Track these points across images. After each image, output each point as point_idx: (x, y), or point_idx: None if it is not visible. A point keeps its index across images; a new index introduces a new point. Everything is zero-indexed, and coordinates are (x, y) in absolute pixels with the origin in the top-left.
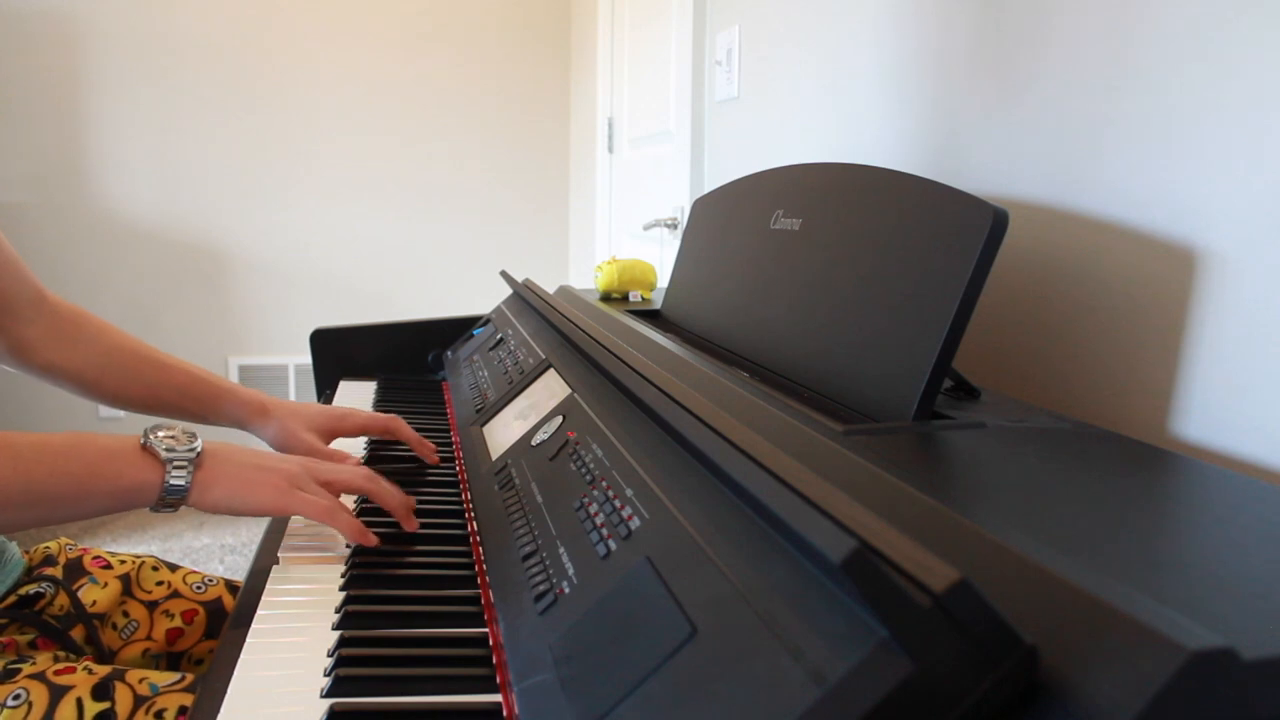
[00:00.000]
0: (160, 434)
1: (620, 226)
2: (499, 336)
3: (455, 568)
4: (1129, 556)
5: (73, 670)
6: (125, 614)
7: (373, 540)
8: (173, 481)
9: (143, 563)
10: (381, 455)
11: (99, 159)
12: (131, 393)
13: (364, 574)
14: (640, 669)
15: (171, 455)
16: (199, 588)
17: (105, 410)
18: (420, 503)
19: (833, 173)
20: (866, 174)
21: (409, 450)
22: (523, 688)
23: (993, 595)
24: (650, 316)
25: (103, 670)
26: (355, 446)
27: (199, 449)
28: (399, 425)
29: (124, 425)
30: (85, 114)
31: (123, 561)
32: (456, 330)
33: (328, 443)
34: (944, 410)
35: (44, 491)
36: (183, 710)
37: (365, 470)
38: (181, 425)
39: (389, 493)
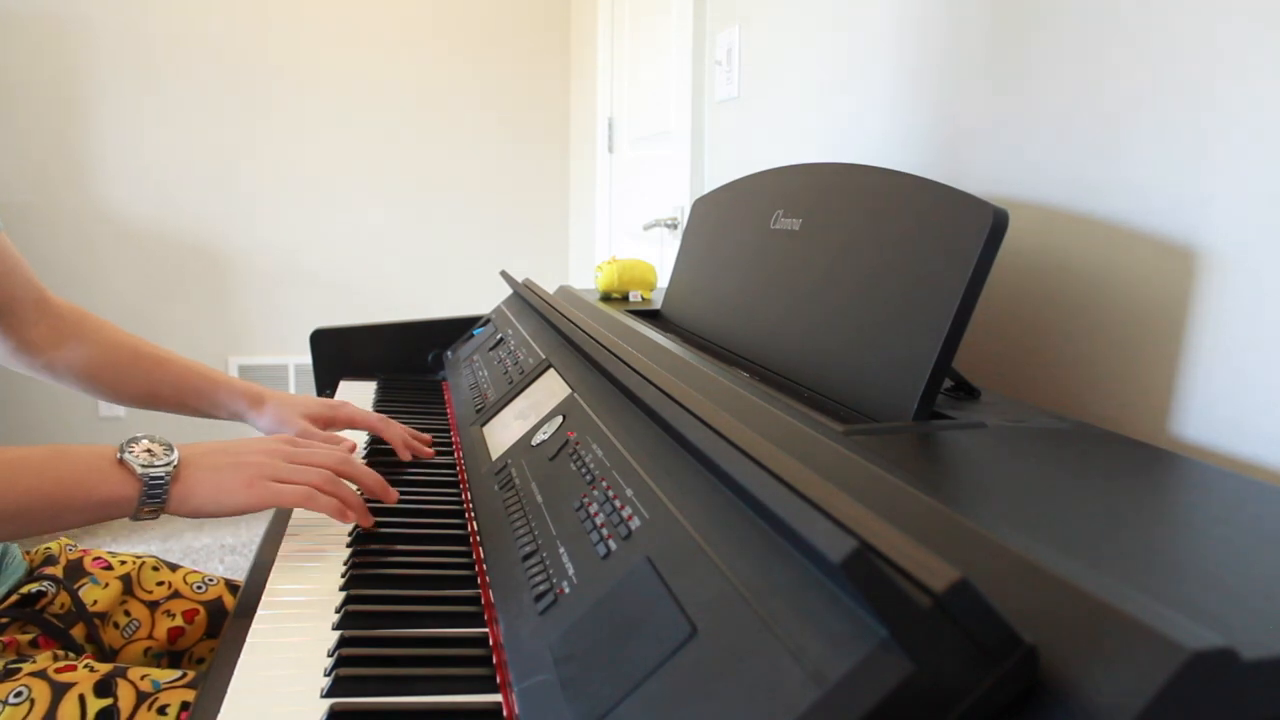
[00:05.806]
0: (137, 447)
1: (620, 226)
2: (499, 336)
3: (455, 568)
4: (1129, 556)
5: (74, 668)
6: (126, 613)
7: (352, 518)
8: (150, 496)
9: (143, 563)
10: (380, 451)
11: (99, 159)
12: (130, 389)
13: (364, 574)
14: (640, 669)
15: (148, 470)
16: (199, 587)
17: (105, 409)
18: (420, 503)
19: (833, 173)
20: (866, 174)
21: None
22: (523, 688)
23: (993, 595)
24: (650, 316)
25: (104, 668)
26: (358, 442)
27: (175, 461)
28: (387, 426)
29: (124, 423)
30: (85, 114)
31: (123, 562)
32: (456, 330)
33: (322, 429)
34: (944, 410)
35: (21, 507)
36: (185, 706)
37: (340, 455)
38: (160, 437)
39: (364, 473)
